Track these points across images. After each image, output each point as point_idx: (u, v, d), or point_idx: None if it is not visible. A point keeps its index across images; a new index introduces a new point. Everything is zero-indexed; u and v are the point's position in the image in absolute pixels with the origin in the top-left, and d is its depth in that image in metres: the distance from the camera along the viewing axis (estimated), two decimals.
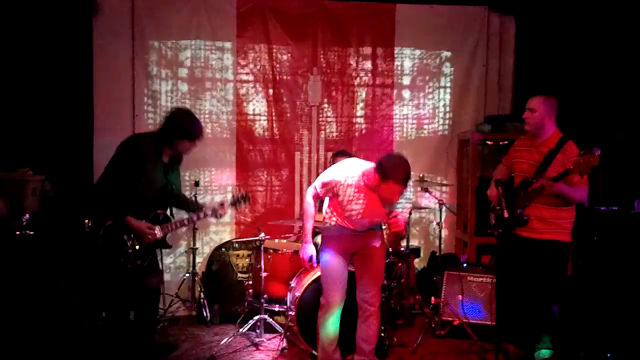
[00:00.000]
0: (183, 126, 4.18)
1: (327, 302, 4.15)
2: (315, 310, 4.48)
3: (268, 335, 5.05)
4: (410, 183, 4.09)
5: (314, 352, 4.53)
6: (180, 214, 4.50)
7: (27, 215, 4.40)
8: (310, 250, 4.24)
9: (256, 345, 4.94)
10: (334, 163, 5.72)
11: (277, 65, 6.24)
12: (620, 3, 5.24)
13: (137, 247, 4.08)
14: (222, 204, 4.54)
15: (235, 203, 4.66)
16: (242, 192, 4.71)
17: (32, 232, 4.38)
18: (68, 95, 5.70)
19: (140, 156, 4.07)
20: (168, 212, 4.34)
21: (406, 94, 6.47)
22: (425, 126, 6.51)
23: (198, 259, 5.86)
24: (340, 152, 5.37)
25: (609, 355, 4.25)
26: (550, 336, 4.28)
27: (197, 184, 5.76)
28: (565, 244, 4.14)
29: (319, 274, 4.63)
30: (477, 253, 5.99)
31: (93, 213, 4.18)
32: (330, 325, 4.17)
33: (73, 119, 5.73)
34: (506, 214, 4.09)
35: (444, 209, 5.46)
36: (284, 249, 5.19)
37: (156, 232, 4.13)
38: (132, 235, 4.06)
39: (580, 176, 3.84)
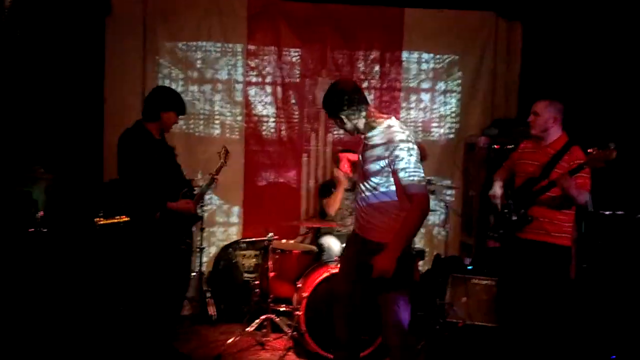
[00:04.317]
0: (167, 98, 4.28)
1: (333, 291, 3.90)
2: (323, 311, 4.54)
3: (274, 335, 5.08)
4: None
5: (320, 352, 4.59)
6: None
7: (42, 212, 4.46)
8: None
9: (262, 345, 4.97)
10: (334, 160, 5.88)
11: (287, 68, 6.32)
12: (626, 9, 5.27)
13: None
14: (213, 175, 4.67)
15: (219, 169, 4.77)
16: (222, 154, 4.83)
17: (45, 230, 4.44)
18: (79, 94, 5.78)
19: (142, 142, 4.14)
20: None
21: (413, 97, 6.52)
22: (433, 129, 6.56)
23: (204, 259, 5.92)
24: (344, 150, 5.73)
25: (613, 357, 4.29)
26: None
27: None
28: (567, 248, 4.19)
29: (327, 274, 4.70)
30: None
31: (136, 211, 4.22)
32: (336, 322, 3.79)
33: (84, 117, 5.81)
34: (514, 217, 4.14)
35: (449, 211, 5.51)
36: (292, 250, 5.24)
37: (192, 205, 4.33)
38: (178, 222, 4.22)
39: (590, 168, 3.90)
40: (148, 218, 4.05)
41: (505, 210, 4.26)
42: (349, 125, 3.56)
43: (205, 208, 5.89)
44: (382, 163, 3.43)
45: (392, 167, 3.40)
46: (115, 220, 5.19)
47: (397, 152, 3.37)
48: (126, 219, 5.16)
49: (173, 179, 4.33)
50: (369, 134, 3.57)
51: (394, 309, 3.50)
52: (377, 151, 3.46)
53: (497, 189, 4.35)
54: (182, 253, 4.27)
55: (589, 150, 3.90)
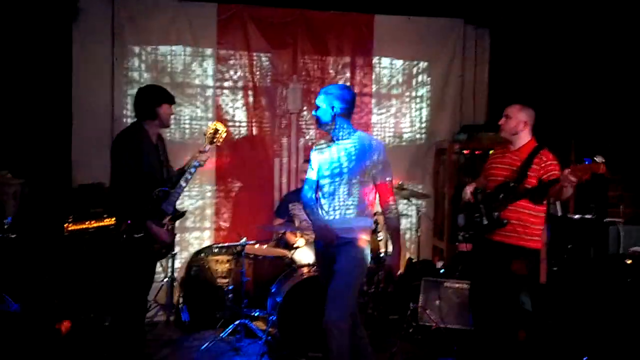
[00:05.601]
0: (155, 93, 4.24)
1: None
2: (296, 316, 4.54)
3: (248, 340, 5.05)
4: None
5: (295, 357, 4.58)
6: None
7: (10, 219, 4.37)
8: None
9: (236, 350, 4.94)
10: None
11: (257, 73, 6.31)
12: (591, 15, 5.40)
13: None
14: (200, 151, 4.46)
15: (212, 142, 4.51)
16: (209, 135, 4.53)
17: (14, 235, 4.35)
18: (47, 99, 5.68)
19: (138, 144, 4.08)
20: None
21: (384, 102, 6.57)
22: (403, 135, 6.62)
23: (177, 264, 5.85)
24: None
25: (585, 358, 4.36)
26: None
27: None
28: (536, 251, 4.26)
29: (300, 279, 4.69)
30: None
31: (117, 213, 4.12)
32: None
33: (51, 122, 5.71)
34: (486, 221, 4.19)
35: (420, 216, 5.56)
36: (265, 255, 5.23)
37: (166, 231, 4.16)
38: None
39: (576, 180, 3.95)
40: (120, 224, 3.98)
41: (477, 214, 4.30)
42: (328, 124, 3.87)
43: None
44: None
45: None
46: (85, 226, 5.12)
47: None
48: (96, 224, 5.10)
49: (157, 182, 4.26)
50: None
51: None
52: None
53: (467, 188, 4.41)
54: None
55: (553, 160, 4.01)
